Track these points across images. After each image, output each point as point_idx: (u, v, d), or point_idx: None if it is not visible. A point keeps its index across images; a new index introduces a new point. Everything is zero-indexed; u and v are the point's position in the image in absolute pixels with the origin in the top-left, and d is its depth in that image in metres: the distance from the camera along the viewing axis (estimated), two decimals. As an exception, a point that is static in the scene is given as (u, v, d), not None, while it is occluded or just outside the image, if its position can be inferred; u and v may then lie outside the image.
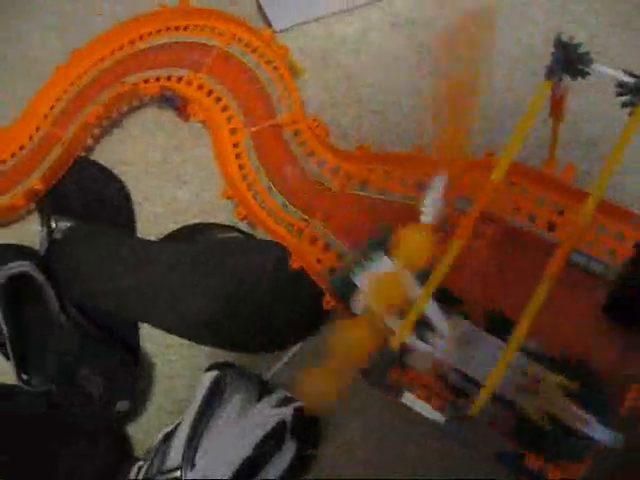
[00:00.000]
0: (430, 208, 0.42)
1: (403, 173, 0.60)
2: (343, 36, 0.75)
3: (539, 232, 0.54)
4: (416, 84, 0.70)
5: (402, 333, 0.40)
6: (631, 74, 0.38)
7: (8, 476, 0.68)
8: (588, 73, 0.40)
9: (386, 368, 0.39)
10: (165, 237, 0.72)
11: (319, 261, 0.61)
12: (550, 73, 0.41)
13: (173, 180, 0.76)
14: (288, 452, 0.59)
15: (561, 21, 0.70)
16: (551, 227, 0.55)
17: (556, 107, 0.47)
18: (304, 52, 0.76)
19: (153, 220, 0.75)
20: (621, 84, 0.38)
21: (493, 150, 0.57)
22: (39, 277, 0.71)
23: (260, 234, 0.68)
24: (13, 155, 0.82)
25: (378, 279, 0.38)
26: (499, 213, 0.54)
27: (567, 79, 0.43)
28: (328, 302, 0.59)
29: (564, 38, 0.40)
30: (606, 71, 0.39)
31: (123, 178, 0.79)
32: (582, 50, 0.40)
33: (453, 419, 0.40)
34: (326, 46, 0.75)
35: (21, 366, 0.71)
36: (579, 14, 0.70)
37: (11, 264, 0.73)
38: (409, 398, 0.41)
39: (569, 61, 0.40)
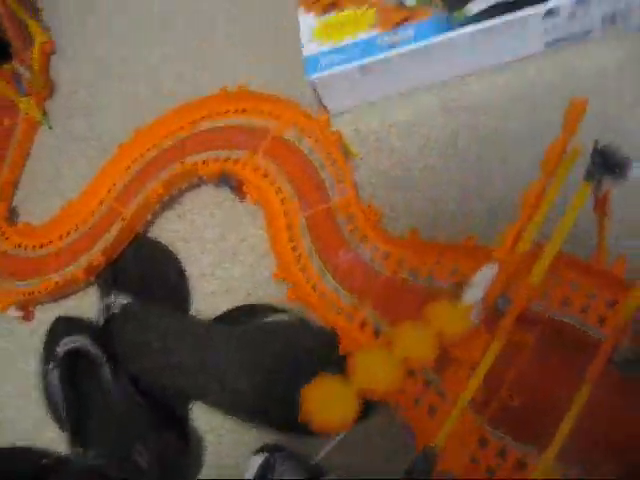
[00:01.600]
0: (474, 291, 0.42)
1: (454, 263, 0.61)
2: (396, 120, 0.77)
3: (589, 327, 0.54)
4: (467, 171, 0.71)
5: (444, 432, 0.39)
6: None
7: None
8: (628, 177, 0.40)
9: (429, 467, 0.39)
10: (219, 317, 0.74)
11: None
12: (588, 175, 0.42)
13: (229, 258, 0.78)
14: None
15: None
16: (601, 321, 0.54)
17: (600, 205, 0.47)
18: (358, 136, 0.77)
19: (208, 297, 0.77)
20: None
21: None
22: (95, 352, 0.73)
23: (312, 317, 0.68)
24: (76, 228, 0.86)
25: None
26: (546, 308, 0.54)
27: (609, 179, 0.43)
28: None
29: (602, 143, 0.41)
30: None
31: (180, 255, 0.81)
32: (621, 154, 0.40)
33: None
34: (380, 130, 0.77)
35: (76, 439, 0.73)
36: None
37: (69, 338, 0.75)
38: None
39: (608, 166, 0.40)
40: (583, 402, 0.39)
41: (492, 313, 0.42)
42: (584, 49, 0.72)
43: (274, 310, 0.72)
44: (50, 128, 1.02)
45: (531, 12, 0.69)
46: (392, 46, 0.73)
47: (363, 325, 0.63)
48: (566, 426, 0.39)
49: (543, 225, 0.41)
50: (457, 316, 0.37)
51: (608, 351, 0.40)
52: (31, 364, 0.84)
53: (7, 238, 0.91)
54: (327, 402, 0.31)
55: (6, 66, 0.96)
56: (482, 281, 0.42)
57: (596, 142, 0.41)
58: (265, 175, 0.74)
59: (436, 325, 0.35)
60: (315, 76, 0.74)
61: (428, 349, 0.35)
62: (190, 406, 0.72)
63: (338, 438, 0.65)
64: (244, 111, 0.80)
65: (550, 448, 0.39)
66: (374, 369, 0.34)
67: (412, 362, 0.36)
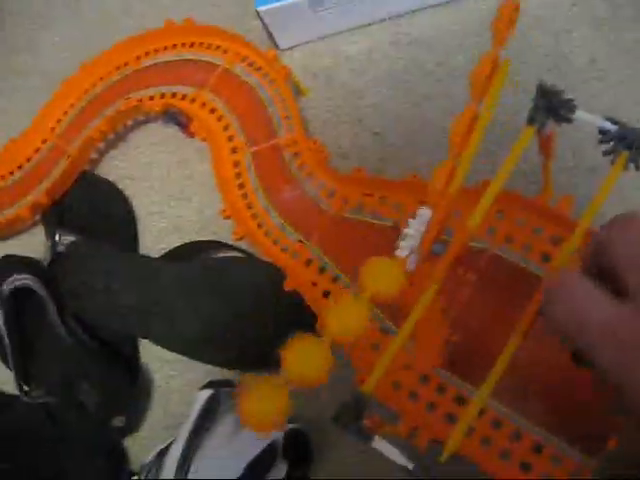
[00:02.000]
0: (409, 242, 0.41)
1: (398, 199, 0.61)
2: (347, 55, 0.75)
3: (532, 263, 0.54)
4: (415, 107, 0.70)
5: (373, 378, 0.39)
6: (614, 121, 0.37)
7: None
8: (572, 120, 0.40)
9: (358, 413, 0.39)
10: (166, 254, 0.73)
11: (314, 284, 0.61)
12: (531, 119, 0.41)
13: (176, 196, 0.77)
14: (278, 474, 0.59)
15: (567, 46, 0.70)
16: (545, 258, 0.55)
17: (544, 147, 0.47)
18: (308, 71, 0.76)
19: (156, 235, 0.76)
20: (603, 131, 0.38)
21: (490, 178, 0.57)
22: (41, 291, 0.72)
23: (258, 254, 0.68)
24: (20, 167, 0.83)
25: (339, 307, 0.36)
26: (490, 244, 0.55)
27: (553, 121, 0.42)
28: (320, 326, 0.59)
29: (546, 85, 0.40)
30: (589, 119, 0.38)
31: (127, 192, 0.79)
32: (565, 97, 0.40)
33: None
34: (330, 65, 0.75)
35: (22, 377, 0.72)
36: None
37: (14, 276, 0.74)
38: (379, 443, 0.41)
39: (551, 108, 0.40)
40: (513, 350, 0.39)
41: (429, 257, 0.42)
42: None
43: (222, 247, 0.71)
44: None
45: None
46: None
47: (308, 262, 0.63)
48: (498, 368, 0.39)
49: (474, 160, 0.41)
50: (392, 275, 0.36)
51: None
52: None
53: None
54: (303, 359, 0.31)
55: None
56: (416, 230, 0.42)
57: (540, 84, 0.40)
58: (212, 111, 0.73)
59: (371, 286, 0.34)
60: (264, 8, 0.72)
61: (394, 283, 0.35)
62: (138, 344, 0.72)
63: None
64: (191, 45, 0.78)
65: (484, 385, 0.40)
66: (345, 318, 0.34)
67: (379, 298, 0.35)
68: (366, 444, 0.38)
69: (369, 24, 0.76)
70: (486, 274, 0.57)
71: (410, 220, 0.41)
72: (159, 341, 0.68)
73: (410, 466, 0.39)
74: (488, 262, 0.57)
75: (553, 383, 0.51)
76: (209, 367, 0.68)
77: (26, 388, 0.72)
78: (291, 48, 0.78)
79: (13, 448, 0.70)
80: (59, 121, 0.83)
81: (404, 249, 0.41)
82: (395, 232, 0.58)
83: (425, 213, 0.42)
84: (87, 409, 0.68)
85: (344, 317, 0.32)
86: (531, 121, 0.42)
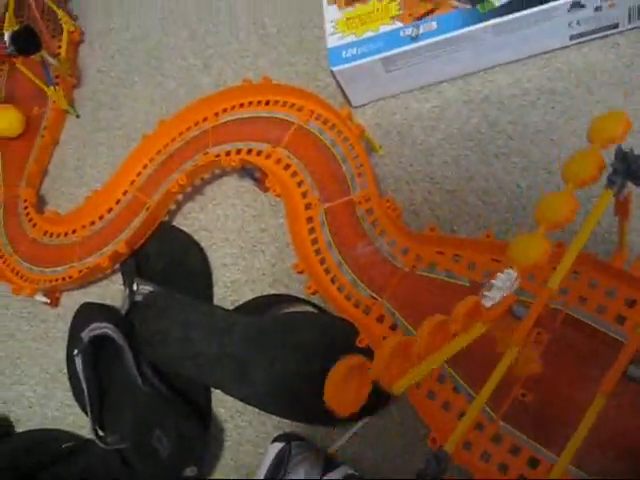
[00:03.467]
0: (494, 293, 0.42)
1: (472, 258, 0.61)
2: (419, 113, 0.77)
3: (606, 325, 0.54)
4: (488, 165, 0.71)
5: (454, 438, 0.40)
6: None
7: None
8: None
9: (441, 472, 0.39)
10: (240, 306, 0.75)
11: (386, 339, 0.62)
12: (611, 183, 0.42)
13: (250, 249, 0.79)
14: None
15: None
16: (620, 319, 0.54)
17: (621, 209, 0.47)
18: (381, 128, 0.77)
19: (230, 286, 0.78)
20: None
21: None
22: (119, 339, 0.75)
23: (331, 309, 0.69)
24: (101, 218, 0.87)
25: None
26: (563, 305, 0.54)
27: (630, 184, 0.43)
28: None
29: (625, 149, 0.41)
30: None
31: (202, 244, 0.82)
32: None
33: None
34: (402, 123, 0.77)
35: (97, 423, 0.74)
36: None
37: (94, 325, 0.77)
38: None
39: (630, 172, 0.40)
40: (597, 411, 0.39)
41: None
42: (610, 43, 0.72)
43: (294, 301, 0.72)
44: (77, 117, 1.03)
45: (556, 4, 0.68)
46: (415, 39, 0.73)
47: (380, 318, 0.63)
48: (580, 433, 0.39)
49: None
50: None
51: (626, 359, 0.40)
52: (56, 349, 0.86)
53: (35, 225, 0.93)
54: (343, 384, 0.33)
55: (35, 56, 0.97)
56: (503, 284, 0.42)
57: (619, 148, 0.41)
58: (287, 167, 0.75)
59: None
60: (338, 68, 0.75)
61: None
62: (211, 394, 0.74)
63: (354, 429, 0.66)
64: (267, 103, 0.81)
65: (565, 452, 0.39)
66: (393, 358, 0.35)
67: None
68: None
69: (441, 82, 0.77)
70: (560, 334, 0.56)
71: (499, 274, 0.41)
72: (231, 392, 0.70)
73: None
74: (562, 322, 0.56)
75: (631, 451, 0.50)
76: (280, 420, 0.69)
77: (101, 433, 0.74)
78: (364, 105, 0.80)
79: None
80: (139, 174, 0.87)
81: (488, 299, 0.41)
82: (470, 292, 0.59)
83: (512, 272, 0.42)
84: (160, 457, 0.69)
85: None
86: (610, 184, 0.43)
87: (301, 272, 0.69)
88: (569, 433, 0.40)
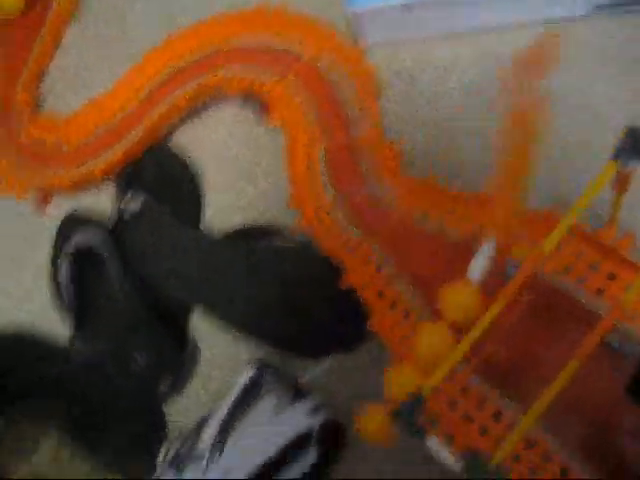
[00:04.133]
0: (478, 267, 0.43)
1: (465, 212, 0.62)
2: (430, 62, 0.76)
3: (584, 296, 0.55)
4: (488, 123, 0.71)
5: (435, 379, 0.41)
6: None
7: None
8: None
9: (416, 411, 0.41)
10: (229, 234, 0.75)
11: (370, 282, 0.63)
12: (616, 155, 0.42)
13: (244, 177, 0.79)
14: (307, 463, 0.61)
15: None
16: (599, 292, 0.55)
17: (620, 182, 0.48)
18: (390, 73, 0.77)
19: (220, 212, 0.78)
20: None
21: (557, 203, 0.58)
22: (106, 250, 0.75)
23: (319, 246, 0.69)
24: (98, 126, 0.86)
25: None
26: (546, 271, 0.56)
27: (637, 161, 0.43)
28: (373, 324, 0.61)
29: (635, 126, 0.41)
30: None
31: (197, 167, 0.82)
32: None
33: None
34: (412, 70, 0.76)
35: (78, 333, 0.75)
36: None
37: (82, 234, 0.77)
38: (433, 442, 0.42)
39: (638, 149, 0.41)
40: (569, 376, 0.40)
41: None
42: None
43: (283, 234, 0.73)
44: (80, 23, 1.01)
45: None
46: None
47: (367, 261, 0.64)
48: (548, 395, 0.41)
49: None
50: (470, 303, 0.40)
51: (604, 330, 0.42)
52: (40, 253, 0.86)
53: (30, 128, 0.92)
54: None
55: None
56: (485, 254, 0.43)
57: (629, 127, 0.41)
58: (291, 100, 0.74)
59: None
60: (355, 8, 0.74)
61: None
62: (190, 315, 0.75)
63: (327, 363, 0.67)
64: (279, 33, 0.79)
65: (530, 411, 0.41)
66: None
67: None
68: (421, 440, 0.40)
69: (457, 33, 0.77)
70: (540, 297, 0.58)
71: (483, 246, 0.42)
72: (215, 313, 0.70)
73: (458, 468, 0.40)
74: (544, 287, 0.57)
75: (598, 416, 0.52)
76: (254, 349, 0.70)
77: (79, 343, 0.75)
78: (375, 46, 0.79)
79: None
80: (143, 86, 0.85)
81: (475, 272, 0.42)
82: (459, 247, 0.60)
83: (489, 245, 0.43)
84: (136, 371, 0.70)
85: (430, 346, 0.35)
86: (616, 157, 0.43)
87: (295, 207, 0.69)
88: (539, 392, 0.42)
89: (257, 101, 0.77)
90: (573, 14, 0.73)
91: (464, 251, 0.59)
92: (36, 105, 0.97)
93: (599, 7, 0.72)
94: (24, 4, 0.98)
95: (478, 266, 0.44)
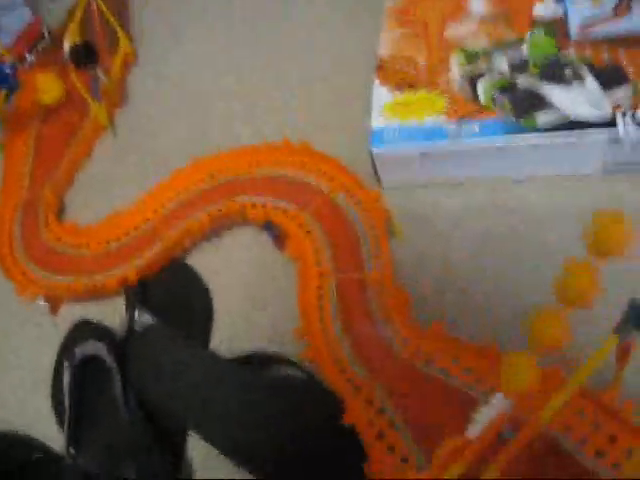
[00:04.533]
0: (477, 427, 0.43)
1: (469, 363, 0.62)
2: (445, 207, 0.79)
3: (585, 457, 0.55)
4: (503, 273, 0.72)
5: None
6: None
7: None
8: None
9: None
10: (236, 358, 0.76)
11: (370, 423, 0.63)
12: (618, 330, 0.43)
13: (256, 302, 0.80)
14: None
15: None
16: (598, 454, 0.55)
17: (622, 354, 0.48)
18: (405, 214, 0.79)
19: (227, 335, 0.79)
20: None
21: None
22: (111, 362, 0.76)
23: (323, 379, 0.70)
24: (118, 239, 0.89)
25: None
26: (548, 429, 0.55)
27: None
28: (373, 468, 0.60)
29: (637, 300, 0.43)
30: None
31: (211, 286, 0.83)
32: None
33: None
34: (427, 213, 0.79)
35: (72, 441, 0.75)
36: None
37: (89, 343, 0.78)
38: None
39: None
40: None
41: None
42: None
43: (288, 363, 0.73)
44: (114, 135, 1.06)
45: (595, 136, 0.71)
46: (456, 137, 0.76)
47: (369, 401, 0.64)
48: None
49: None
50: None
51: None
52: (45, 356, 0.87)
53: (52, 231, 0.95)
54: None
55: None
56: (487, 416, 0.44)
57: (632, 299, 0.43)
58: (308, 232, 0.77)
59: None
60: (378, 149, 0.77)
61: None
62: (187, 437, 0.74)
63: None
64: (302, 166, 0.83)
65: None
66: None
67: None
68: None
69: (473, 182, 0.79)
70: (538, 454, 0.57)
71: (482, 408, 0.43)
72: (210, 439, 0.70)
73: None
74: (543, 443, 0.57)
75: None
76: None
77: (73, 452, 0.74)
78: (393, 188, 0.82)
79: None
80: (163, 206, 0.88)
81: (472, 431, 0.43)
82: (462, 396, 0.60)
83: (499, 400, 0.44)
84: (126, 488, 0.69)
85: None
86: (618, 331, 0.44)
87: (301, 337, 0.70)
88: None
89: (275, 229, 0.79)
90: (587, 172, 0.75)
91: (466, 401, 0.60)
92: (61, 208, 1.00)
93: (607, 167, 0.75)
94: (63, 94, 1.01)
95: (477, 424, 0.44)
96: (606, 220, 0.43)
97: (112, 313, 0.86)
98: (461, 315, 0.71)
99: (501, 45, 0.82)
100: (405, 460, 0.60)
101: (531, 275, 0.71)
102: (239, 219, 0.85)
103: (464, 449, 0.44)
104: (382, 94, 0.82)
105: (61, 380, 0.79)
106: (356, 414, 0.63)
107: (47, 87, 1.02)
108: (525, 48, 0.80)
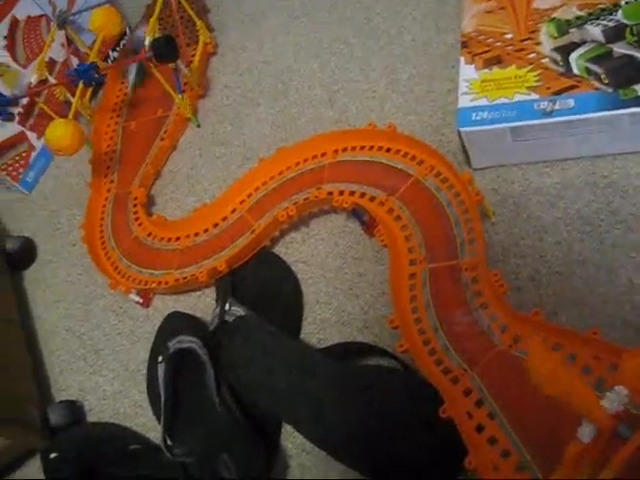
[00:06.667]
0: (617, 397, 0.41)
1: (573, 349, 0.60)
2: (539, 187, 0.75)
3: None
4: (602, 253, 0.69)
5: None
6: None
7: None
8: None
9: None
10: (327, 348, 0.75)
11: (470, 415, 0.61)
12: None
13: (346, 290, 0.79)
14: None
15: None
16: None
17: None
18: (498, 195, 0.77)
19: (319, 324, 0.78)
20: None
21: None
22: (204, 355, 0.76)
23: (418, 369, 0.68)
24: (206, 231, 0.89)
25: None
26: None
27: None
28: (470, 462, 0.58)
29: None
30: None
31: (299, 276, 0.83)
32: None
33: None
34: (520, 194, 0.76)
35: (168, 433, 0.76)
36: None
37: (182, 337, 0.79)
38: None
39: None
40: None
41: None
42: None
43: (384, 353, 0.72)
44: (198, 126, 1.06)
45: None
46: (549, 114, 0.72)
47: (467, 392, 0.62)
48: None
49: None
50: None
51: None
52: (139, 349, 0.88)
53: (140, 224, 0.96)
54: None
55: (169, 62, 1.00)
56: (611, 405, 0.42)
57: None
58: (398, 218, 0.75)
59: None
60: (466, 129, 0.75)
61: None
62: (281, 427, 0.74)
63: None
64: (388, 150, 0.81)
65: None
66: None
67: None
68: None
69: (566, 159, 0.76)
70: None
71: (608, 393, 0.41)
72: (303, 430, 0.70)
73: None
74: None
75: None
76: (346, 469, 0.68)
77: (170, 443, 0.75)
78: (484, 169, 0.79)
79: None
80: (250, 196, 0.89)
81: (611, 401, 0.41)
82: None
83: (616, 394, 0.41)
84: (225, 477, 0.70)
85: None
86: None
87: (395, 327, 0.68)
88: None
89: (364, 215, 0.78)
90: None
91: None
92: (149, 202, 1.01)
93: None
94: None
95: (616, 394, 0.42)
96: None
97: (203, 304, 0.87)
98: (560, 300, 0.68)
99: (594, 13, 0.77)
100: (507, 454, 0.58)
101: (637, 255, 0.68)
102: (327, 207, 0.84)
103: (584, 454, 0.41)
104: (469, 71, 0.79)
105: (156, 373, 0.81)
106: (454, 406, 0.62)
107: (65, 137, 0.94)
108: (620, 14, 0.75)
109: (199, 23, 1.12)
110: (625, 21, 0.74)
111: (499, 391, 0.61)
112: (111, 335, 0.93)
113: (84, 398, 0.90)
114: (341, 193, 0.80)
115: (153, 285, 0.88)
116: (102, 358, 0.92)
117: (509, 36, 0.80)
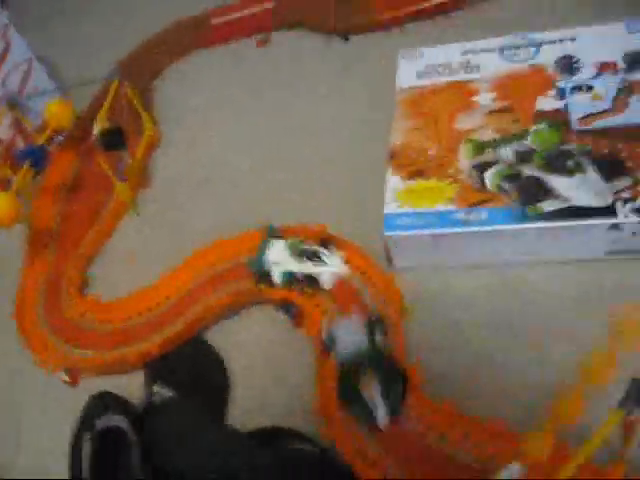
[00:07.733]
0: None
1: (479, 439, 0.65)
2: (456, 290, 0.82)
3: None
4: (509, 354, 0.75)
5: None
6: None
7: None
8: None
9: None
10: (251, 432, 0.78)
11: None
12: (622, 405, 0.46)
13: (274, 379, 0.83)
14: None
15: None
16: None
17: (628, 429, 0.51)
18: (415, 295, 0.83)
19: (245, 409, 0.82)
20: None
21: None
22: (131, 435, 0.78)
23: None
24: (140, 314, 0.92)
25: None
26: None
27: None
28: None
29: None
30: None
31: (228, 361, 0.87)
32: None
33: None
34: (437, 295, 0.82)
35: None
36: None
37: (110, 415, 0.80)
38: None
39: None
40: None
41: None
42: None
43: (302, 438, 0.75)
44: (137, 215, 1.10)
45: (597, 222, 0.75)
46: (465, 223, 0.80)
47: (382, 476, 0.66)
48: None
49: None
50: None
51: None
52: (66, 426, 0.88)
53: (74, 305, 0.98)
54: None
55: (114, 151, 1.05)
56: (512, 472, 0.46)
57: (634, 378, 0.46)
58: (324, 313, 0.80)
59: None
60: (391, 234, 0.81)
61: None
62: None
63: None
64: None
65: None
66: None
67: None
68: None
69: (481, 266, 0.83)
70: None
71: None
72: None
73: None
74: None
75: None
76: None
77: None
78: (405, 270, 0.85)
79: None
80: (185, 283, 0.92)
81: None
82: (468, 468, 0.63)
83: (515, 468, 0.46)
84: None
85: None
86: (621, 406, 0.47)
87: (319, 415, 0.73)
88: None
89: (293, 307, 0.83)
90: (591, 256, 0.79)
91: (478, 475, 0.63)
92: (84, 283, 1.03)
93: (607, 252, 0.78)
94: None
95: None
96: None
97: (130, 386, 0.89)
98: (470, 395, 0.74)
99: (507, 137, 0.86)
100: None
101: (540, 357, 0.74)
102: (259, 299, 0.88)
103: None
104: (395, 182, 0.86)
105: (80, 450, 0.81)
106: (371, 489, 0.66)
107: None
108: (530, 140, 0.84)
109: (144, 115, 1.18)
110: (533, 146, 0.83)
111: (414, 476, 0.66)
112: (32, 413, 0.93)
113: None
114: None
115: (82, 364, 0.90)
116: (22, 435, 0.92)
117: (432, 152, 0.88)
